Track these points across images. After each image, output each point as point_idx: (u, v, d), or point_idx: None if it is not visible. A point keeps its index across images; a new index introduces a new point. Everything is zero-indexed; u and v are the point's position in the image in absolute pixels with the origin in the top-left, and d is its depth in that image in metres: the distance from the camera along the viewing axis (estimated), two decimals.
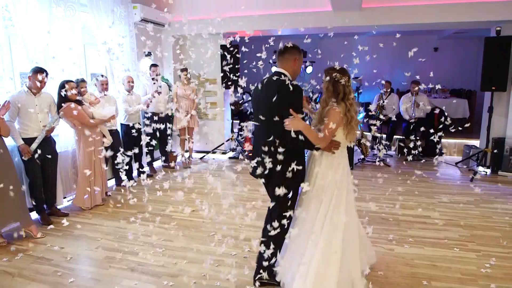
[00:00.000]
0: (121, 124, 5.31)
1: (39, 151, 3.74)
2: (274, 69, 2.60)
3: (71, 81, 4.07)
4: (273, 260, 2.45)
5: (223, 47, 6.55)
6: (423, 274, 2.81)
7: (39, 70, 3.74)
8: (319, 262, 2.33)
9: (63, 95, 3.93)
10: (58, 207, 4.25)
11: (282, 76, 2.40)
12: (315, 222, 2.40)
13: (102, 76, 4.85)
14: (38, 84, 3.71)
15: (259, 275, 2.56)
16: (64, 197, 4.46)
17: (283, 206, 2.41)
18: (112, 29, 5.22)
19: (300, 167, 2.39)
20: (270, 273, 2.50)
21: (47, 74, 3.80)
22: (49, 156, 3.89)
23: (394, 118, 6.77)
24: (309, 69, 8.17)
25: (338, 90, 2.42)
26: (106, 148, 4.31)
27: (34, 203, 3.89)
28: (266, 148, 2.35)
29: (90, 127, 4.16)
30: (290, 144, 2.33)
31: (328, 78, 2.46)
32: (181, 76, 6.11)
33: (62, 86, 3.99)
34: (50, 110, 3.97)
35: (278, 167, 2.32)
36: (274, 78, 2.41)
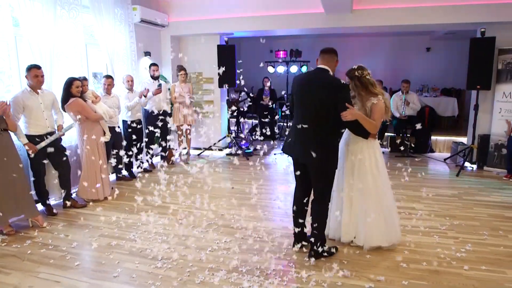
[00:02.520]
0: (123, 121, 5.52)
1: (49, 149, 3.91)
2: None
3: (77, 79, 4.22)
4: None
5: (219, 47, 6.77)
6: (402, 257, 3.02)
7: (33, 67, 3.79)
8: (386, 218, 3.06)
9: (69, 92, 4.11)
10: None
11: (328, 72, 2.83)
12: (379, 191, 3.10)
13: (108, 76, 5.04)
14: (36, 79, 3.79)
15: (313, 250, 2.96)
16: None
17: (329, 181, 2.92)
18: (113, 29, 5.42)
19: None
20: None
21: (39, 67, 3.83)
22: (59, 155, 4.04)
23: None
24: (304, 68, 8.36)
25: (365, 83, 2.87)
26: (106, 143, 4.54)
27: (38, 196, 4.06)
28: (314, 136, 2.78)
29: (94, 121, 4.36)
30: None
31: (352, 77, 2.92)
32: (179, 75, 6.32)
33: (69, 83, 4.14)
34: (54, 107, 4.14)
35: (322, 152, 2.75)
36: (325, 74, 2.81)
